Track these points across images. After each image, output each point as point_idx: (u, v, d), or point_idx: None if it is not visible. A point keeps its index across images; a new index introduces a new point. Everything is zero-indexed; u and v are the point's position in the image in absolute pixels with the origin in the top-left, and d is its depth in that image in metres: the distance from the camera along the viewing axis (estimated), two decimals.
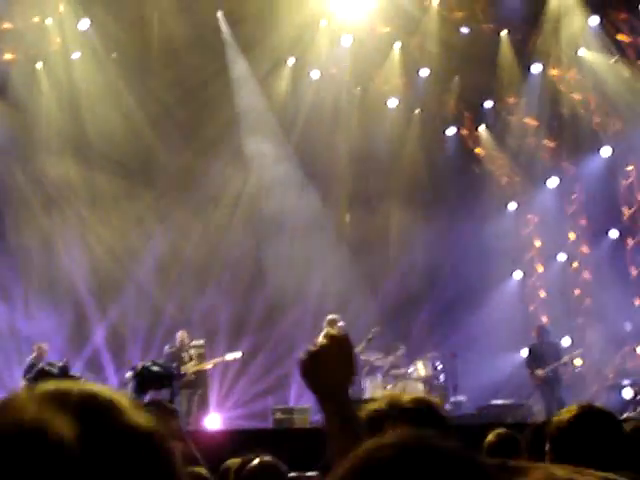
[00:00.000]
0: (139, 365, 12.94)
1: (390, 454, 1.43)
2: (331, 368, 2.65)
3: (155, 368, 12.86)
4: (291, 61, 20.75)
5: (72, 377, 13.11)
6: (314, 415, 17.11)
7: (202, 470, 5.23)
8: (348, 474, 1.44)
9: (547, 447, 3.47)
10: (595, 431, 3.45)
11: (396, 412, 3.07)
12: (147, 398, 12.74)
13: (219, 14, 19.92)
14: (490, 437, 5.82)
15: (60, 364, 13.55)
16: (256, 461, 5.41)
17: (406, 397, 3.25)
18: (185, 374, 15.89)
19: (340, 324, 16.87)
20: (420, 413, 3.11)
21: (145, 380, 12.68)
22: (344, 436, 2.52)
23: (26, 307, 19.44)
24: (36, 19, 19.22)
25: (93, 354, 19.25)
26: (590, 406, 3.61)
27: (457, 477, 1.41)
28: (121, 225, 20.08)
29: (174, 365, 14.66)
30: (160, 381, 12.81)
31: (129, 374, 14.33)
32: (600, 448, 3.35)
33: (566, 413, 3.54)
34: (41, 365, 13.10)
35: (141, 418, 1.32)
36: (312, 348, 2.68)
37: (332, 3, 19.84)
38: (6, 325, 19.13)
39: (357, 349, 16.99)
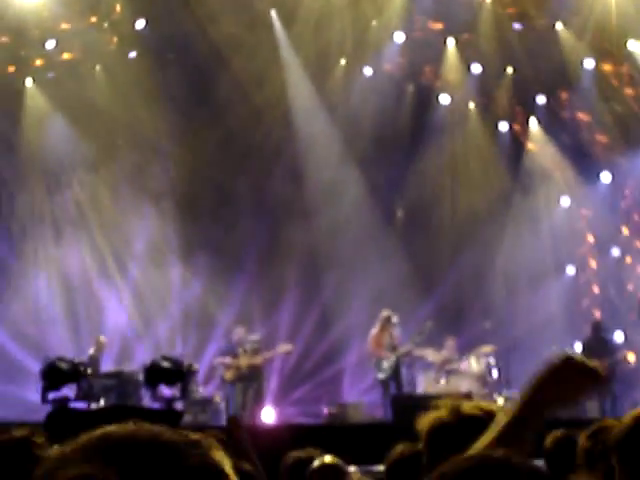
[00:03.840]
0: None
1: (473, 465, 1.63)
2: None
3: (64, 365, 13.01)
4: (344, 60, 20.84)
5: (85, 374, 13.29)
6: (368, 409, 17.27)
7: (247, 466, 5.27)
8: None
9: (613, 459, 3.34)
10: None
11: (457, 421, 3.20)
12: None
13: (272, 13, 20.05)
14: (548, 441, 5.72)
15: (73, 360, 13.67)
16: (318, 462, 5.53)
17: (466, 405, 3.35)
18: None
19: (395, 320, 17.00)
20: (482, 423, 3.23)
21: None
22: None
23: None
24: (93, 19, 19.48)
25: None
26: None
27: None
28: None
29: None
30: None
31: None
32: None
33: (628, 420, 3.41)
34: (51, 359, 13.28)
35: (213, 457, 1.39)
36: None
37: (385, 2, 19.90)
38: None
39: (409, 345, 17.10)
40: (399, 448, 5.12)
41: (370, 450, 9.45)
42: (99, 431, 1.40)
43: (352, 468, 6.36)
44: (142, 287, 20.10)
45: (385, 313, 17.12)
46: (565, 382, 2.57)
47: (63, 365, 13.23)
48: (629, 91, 20.39)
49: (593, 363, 2.62)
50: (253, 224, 20.49)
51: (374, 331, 17.12)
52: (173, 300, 20.29)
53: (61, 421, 11.60)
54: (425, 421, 3.28)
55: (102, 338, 17.84)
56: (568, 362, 2.60)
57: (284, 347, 18.00)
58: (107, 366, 17.62)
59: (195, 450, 1.39)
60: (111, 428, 1.40)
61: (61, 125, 19.89)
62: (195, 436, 1.42)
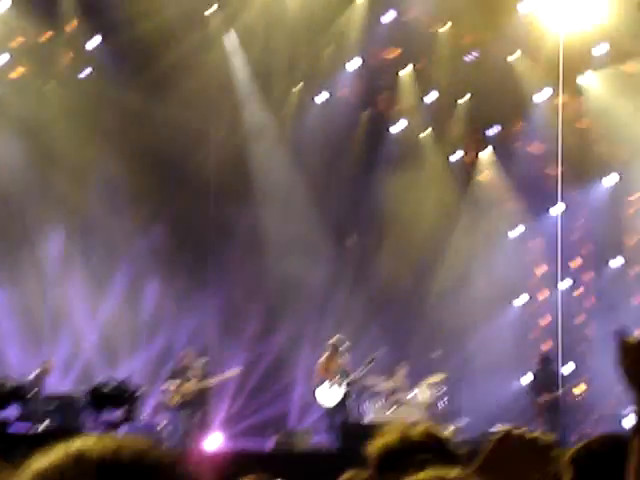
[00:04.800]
0: None
1: None
2: None
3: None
4: (300, 85, 20.78)
5: (27, 396, 13.10)
6: (315, 437, 17.11)
7: None
8: None
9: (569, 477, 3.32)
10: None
11: (407, 447, 3.09)
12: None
13: (227, 37, 19.93)
14: None
15: (15, 382, 13.44)
16: None
17: (416, 431, 3.24)
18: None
19: (344, 347, 16.87)
20: (430, 448, 3.13)
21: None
22: None
23: None
24: (49, 34, 19.26)
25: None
26: (608, 435, 3.47)
27: None
28: None
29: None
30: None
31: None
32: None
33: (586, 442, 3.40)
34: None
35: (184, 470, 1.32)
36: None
37: (342, 26, 19.91)
38: None
39: (357, 373, 16.95)
40: (347, 475, 4.99)
41: (316, 478, 9.32)
42: (73, 449, 1.29)
43: None
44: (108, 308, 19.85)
45: (333, 340, 17.00)
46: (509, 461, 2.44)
47: (4, 386, 13.00)
48: (582, 124, 20.51)
49: (533, 435, 2.48)
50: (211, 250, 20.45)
51: (322, 358, 16.98)
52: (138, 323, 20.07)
53: (1, 443, 11.38)
54: (374, 446, 3.18)
55: (50, 362, 17.49)
56: (508, 437, 2.47)
57: (231, 371, 17.87)
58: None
59: (179, 470, 1.31)
60: (88, 445, 1.29)
61: (10, 142, 19.59)
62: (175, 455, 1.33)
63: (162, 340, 19.83)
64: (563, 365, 19.26)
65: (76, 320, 19.66)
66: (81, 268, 19.86)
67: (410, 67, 20.79)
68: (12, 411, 12.88)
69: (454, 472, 1.65)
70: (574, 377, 19.19)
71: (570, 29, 19.34)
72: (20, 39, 19.03)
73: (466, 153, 21.98)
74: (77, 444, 1.31)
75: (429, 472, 1.58)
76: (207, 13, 19.64)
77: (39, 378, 16.69)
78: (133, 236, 19.95)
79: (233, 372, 17.87)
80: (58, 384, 17.62)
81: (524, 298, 21.57)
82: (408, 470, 2.46)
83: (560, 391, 17.31)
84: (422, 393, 17.64)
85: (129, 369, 18.19)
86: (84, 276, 19.80)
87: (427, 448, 3.09)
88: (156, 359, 19.46)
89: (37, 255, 19.63)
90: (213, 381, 17.69)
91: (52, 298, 19.68)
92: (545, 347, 20.43)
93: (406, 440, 3.14)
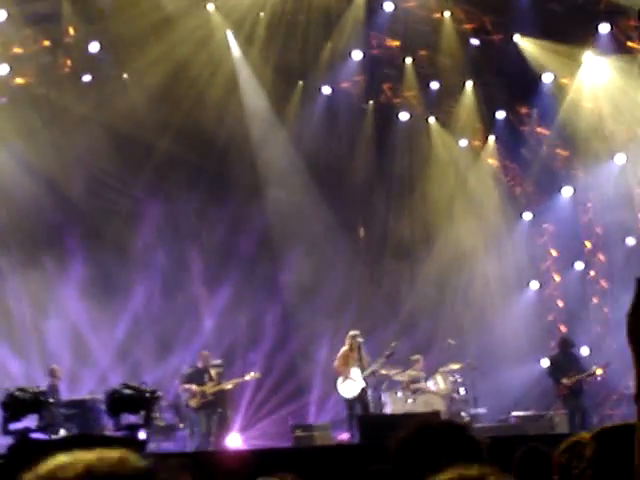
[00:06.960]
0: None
1: None
2: None
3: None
4: (302, 80, 20.75)
5: (46, 404, 13.09)
6: (335, 430, 17.10)
7: None
8: None
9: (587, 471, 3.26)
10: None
11: (428, 437, 3.05)
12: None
13: (229, 33, 19.88)
14: (519, 453, 5.63)
15: (34, 390, 13.44)
16: None
17: (437, 421, 3.23)
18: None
19: (360, 340, 16.87)
20: (452, 438, 3.09)
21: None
22: None
23: None
24: (47, 43, 19.24)
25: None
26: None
27: None
28: None
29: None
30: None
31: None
32: None
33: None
34: (11, 389, 13.06)
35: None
36: None
37: (342, 20, 19.85)
38: None
39: (376, 365, 16.97)
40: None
41: (338, 472, 9.29)
42: (52, 464, 1.28)
43: None
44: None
45: (352, 332, 17.04)
46: None
47: (24, 395, 12.99)
48: (587, 104, 20.36)
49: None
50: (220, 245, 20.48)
51: (343, 350, 17.02)
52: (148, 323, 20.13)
53: (23, 452, 11.38)
54: (395, 439, 3.16)
55: (55, 366, 17.54)
56: None
57: (251, 374, 17.88)
58: None
59: (160, 477, 1.31)
60: (65, 459, 1.28)
61: (15, 151, 19.62)
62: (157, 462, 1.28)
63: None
64: (579, 347, 19.21)
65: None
66: None
67: (413, 56, 20.66)
68: (31, 420, 12.88)
69: (475, 469, 1.60)
70: (591, 359, 19.08)
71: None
72: (18, 49, 18.99)
73: (474, 138, 21.87)
74: (53, 462, 1.25)
75: (451, 471, 1.53)
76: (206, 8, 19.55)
77: (54, 385, 16.74)
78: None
79: (253, 375, 17.90)
80: None
81: (540, 281, 21.47)
82: (430, 462, 2.42)
83: (584, 375, 17.18)
84: (440, 382, 17.63)
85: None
86: None
87: (449, 438, 3.05)
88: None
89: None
90: (233, 384, 17.71)
91: None
92: (562, 329, 20.38)
93: (426, 430, 3.10)
